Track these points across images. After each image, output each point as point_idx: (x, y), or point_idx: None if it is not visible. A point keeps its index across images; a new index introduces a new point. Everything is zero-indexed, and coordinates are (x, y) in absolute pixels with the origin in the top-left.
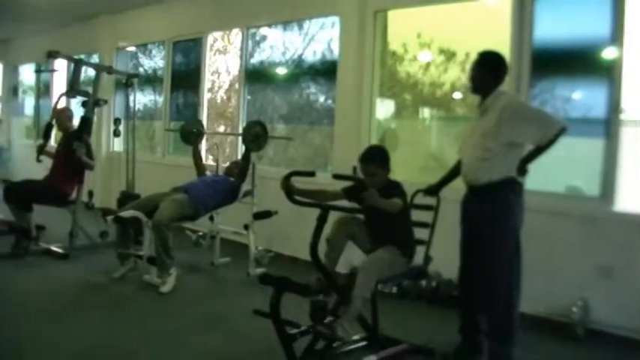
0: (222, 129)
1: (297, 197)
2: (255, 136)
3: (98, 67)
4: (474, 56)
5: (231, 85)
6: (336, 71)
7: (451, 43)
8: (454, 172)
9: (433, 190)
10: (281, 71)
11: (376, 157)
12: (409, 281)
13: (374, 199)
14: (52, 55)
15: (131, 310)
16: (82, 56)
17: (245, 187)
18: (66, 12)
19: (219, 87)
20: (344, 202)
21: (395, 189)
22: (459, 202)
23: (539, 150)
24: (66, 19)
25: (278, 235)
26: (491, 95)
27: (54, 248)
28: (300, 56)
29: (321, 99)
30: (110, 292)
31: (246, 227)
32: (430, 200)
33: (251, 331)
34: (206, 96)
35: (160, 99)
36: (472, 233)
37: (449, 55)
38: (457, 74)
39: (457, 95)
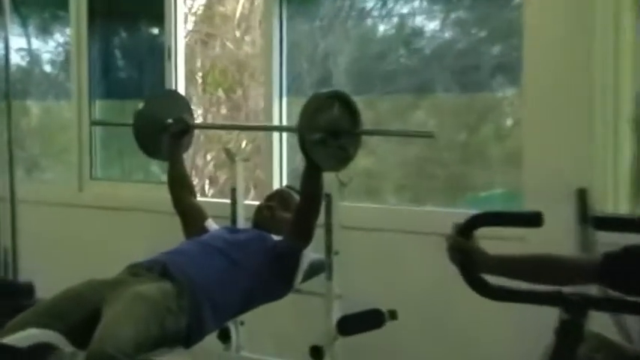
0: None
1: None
2: (333, 133)
3: None
4: None
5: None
6: None
7: None
8: None
9: None
10: None
11: None
12: None
13: None
14: None
15: None
16: None
17: (310, 255)
18: None
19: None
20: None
21: None
22: None
23: None
24: None
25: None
26: None
27: None
28: None
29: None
30: None
31: (316, 353)
32: None
33: None
34: (181, 39)
35: (45, 47)
36: None
37: None
38: None
39: None
